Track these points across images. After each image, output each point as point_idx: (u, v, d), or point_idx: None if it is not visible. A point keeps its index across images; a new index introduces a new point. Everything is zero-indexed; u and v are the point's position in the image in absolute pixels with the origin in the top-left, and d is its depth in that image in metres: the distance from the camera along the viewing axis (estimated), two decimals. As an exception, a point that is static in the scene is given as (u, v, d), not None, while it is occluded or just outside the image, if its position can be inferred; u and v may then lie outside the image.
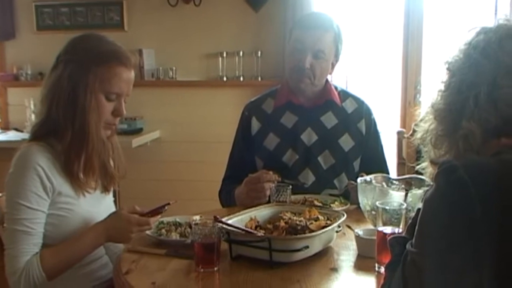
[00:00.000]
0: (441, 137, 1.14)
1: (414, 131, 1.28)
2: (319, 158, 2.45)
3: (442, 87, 1.14)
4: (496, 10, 3.82)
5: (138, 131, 4.07)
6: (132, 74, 1.83)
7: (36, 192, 1.70)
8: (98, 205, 1.87)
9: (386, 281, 1.13)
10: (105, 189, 1.92)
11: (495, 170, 0.98)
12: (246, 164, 2.46)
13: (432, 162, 1.13)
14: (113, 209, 1.94)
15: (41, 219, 1.72)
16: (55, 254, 1.71)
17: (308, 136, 2.47)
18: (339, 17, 3.97)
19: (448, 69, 1.14)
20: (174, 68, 4.31)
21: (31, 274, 1.67)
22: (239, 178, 2.31)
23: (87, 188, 1.80)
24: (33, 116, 4.12)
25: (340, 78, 4.04)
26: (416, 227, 1.05)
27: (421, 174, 1.40)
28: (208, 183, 2.73)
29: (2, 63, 4.53)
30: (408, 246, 1.06)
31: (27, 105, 4.21)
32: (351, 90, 2.67)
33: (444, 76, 1.15)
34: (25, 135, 3.95)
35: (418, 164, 1.29)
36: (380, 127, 2.58)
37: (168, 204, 1.82)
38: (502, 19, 1.14)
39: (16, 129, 4.30)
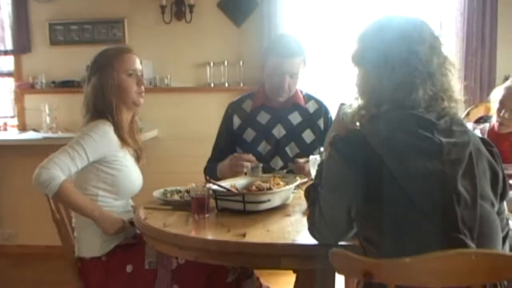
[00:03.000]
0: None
1: None
2: (287, 149, 2.97)
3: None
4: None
5: (138, 131, 4.57)
6: (136, 56, 2.54)
7: (96, 145, 2.33)
8: (135, 169, 2.53)
9: (309, 213, 1.78)
10: (137, 160, 2.58)
11: (362, 141, 1.51)
12: (228, 151, 2.92)
13: None
14: (140, 173, 2.59)
15: (83, 162, 2.32)
16: (72, 191, 2.30)
17: (278, 131, 2.98)
18: (308, 32, 4.44)
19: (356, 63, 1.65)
20: (169, 76, 4.68)
21: (52, 179, 2.22)
22: (221, 160, 2.84)
23: (129, 148, 2.49)
24: (48, 119, 4.62)
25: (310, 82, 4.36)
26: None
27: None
28: (200, 174, 3.01)
29: (20, 73, 4.94)
30: (317, 182, 1.71)
31: (42, 109, 4.64)
32: (314, 93, 3.21)
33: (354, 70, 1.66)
34: (43, 135, 4.48)
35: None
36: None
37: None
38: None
39: (34, 130, 4.75)
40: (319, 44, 4.54)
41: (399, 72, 1.52)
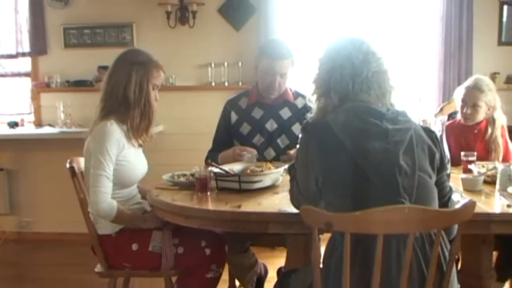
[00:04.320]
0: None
1: None
2: (278, 141, 3.32)
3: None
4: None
5: (146, 126, 4.86)
6: (163, 75, 2.83)
7: (111, 150, 2.60)
8: (138, 160, 2.82)
9: (290, 188, 2.16)
10: (139, 145, 2.86)
11: (326, 126, 1.87)
12: (226, 143, 3.30)
13: None
14: (144, 159, 2.89)
15: (112, 169, 2.61)
16: (122, 212, 2.63)
17: (271, 125, 3.32)
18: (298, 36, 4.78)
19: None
20: (173, 76, 4.97)
21: (110, 210, 2.56)
22: (220, 151, 3.21)
23: (135, 142, 2.77)
24: (62, 115, 4.99)
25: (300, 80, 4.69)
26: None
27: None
28: (201, 166, 3.18)
29: (36, 74, 5.28)
30: (295, 161, 2.09)
31: (57, 106, 4.99)
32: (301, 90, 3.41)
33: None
34: (60, 129, 4.85)
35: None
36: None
37: None
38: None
39: (50, 125, 5.10)
40: (312, 45, 4.86)
41: (346, 79, 1.94)
